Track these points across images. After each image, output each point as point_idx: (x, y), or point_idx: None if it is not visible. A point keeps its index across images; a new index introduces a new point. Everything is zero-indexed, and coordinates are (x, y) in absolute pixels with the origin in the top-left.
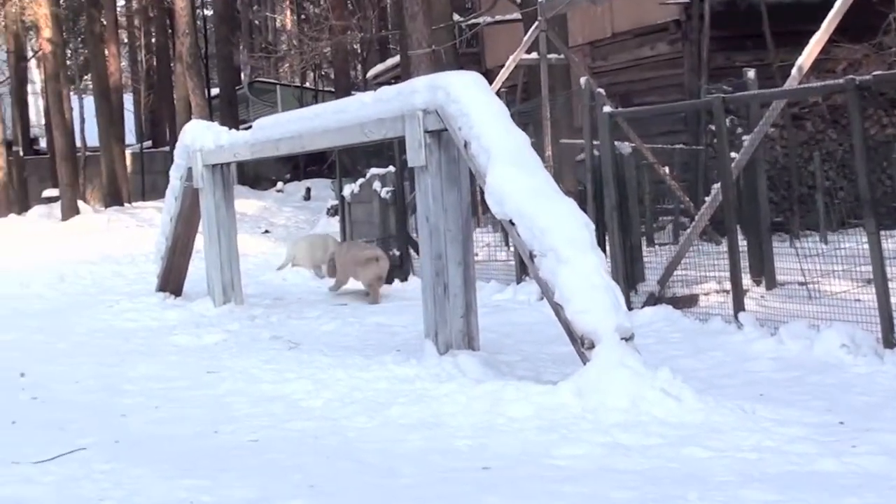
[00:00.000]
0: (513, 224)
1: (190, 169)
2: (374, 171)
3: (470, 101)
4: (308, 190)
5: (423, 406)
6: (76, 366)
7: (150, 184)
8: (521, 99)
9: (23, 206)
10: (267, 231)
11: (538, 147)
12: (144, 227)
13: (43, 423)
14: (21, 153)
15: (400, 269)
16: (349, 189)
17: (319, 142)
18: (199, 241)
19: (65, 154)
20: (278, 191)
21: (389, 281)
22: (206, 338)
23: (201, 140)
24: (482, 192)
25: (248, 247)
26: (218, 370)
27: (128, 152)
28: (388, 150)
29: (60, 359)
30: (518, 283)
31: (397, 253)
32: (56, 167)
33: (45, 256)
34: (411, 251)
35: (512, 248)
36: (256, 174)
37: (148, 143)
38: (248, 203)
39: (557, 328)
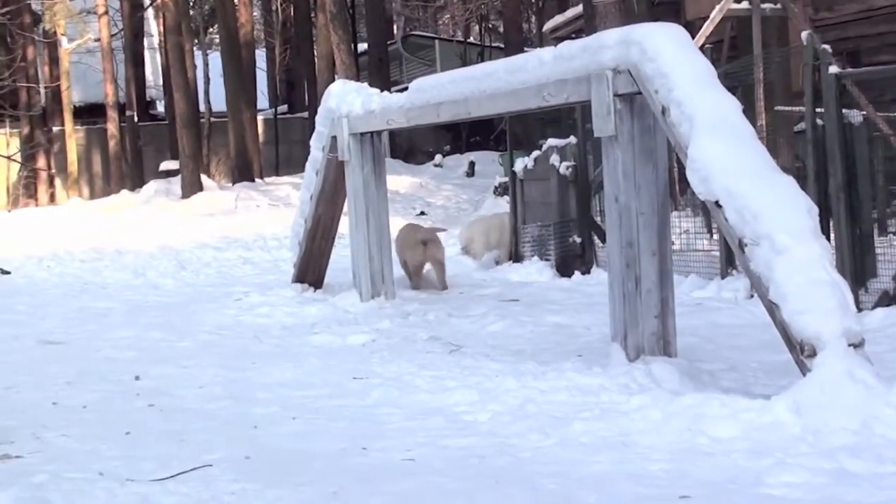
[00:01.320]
0: (719, 206)
1: (334, 138)
2: (551, 142)
3: (670, 59)
4: (472, 164)
5: (610, 422)
6: (200, 369)
7: (285, 155)
8: (729, 57)
9: (137, 181)
10: (423, 213)
11: (749, 115)
12: (279, 206)
13: (161, 435)
14: (136, 119)
15: (581, 260)
16: (521, 164)
17: (488, 107)
18: (344, 224)
19: (186, 120)
20: (436, 165)
21: (568, 272)
22: (351, 338)
23: (348, 104)
24: (681, 168)
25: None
26: (366, 376)
27: (260, 118)
28: (568, 118)
29: (181, 360)
30: (723, 277)
31: (578, 240)
32: (176, 135)
33: (162, 240)
34: (595, 238)
35: (716, 236)
36: (411, 146)
37: (283, 108)
38: (400, 180)
39: (771, 332)
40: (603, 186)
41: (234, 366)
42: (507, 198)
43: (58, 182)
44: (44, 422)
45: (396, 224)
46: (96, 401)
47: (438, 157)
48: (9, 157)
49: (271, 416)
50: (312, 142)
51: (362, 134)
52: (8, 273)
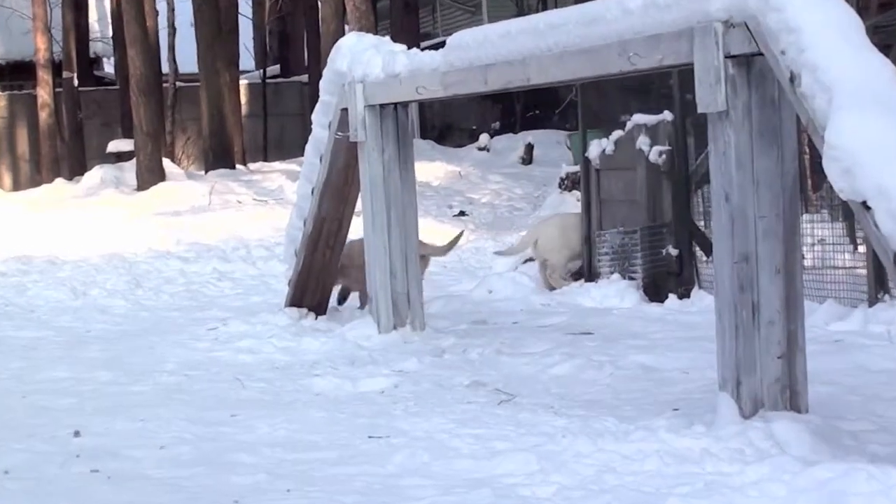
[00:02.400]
0: (868, 208)
1: (344, 111)
2: (638, 119)
3: (801, 8)
4: (529, 148)
5: (717, 500)
6: (160, 422)
7: (276, 134)
8: (880, 6)
9: (77, 167)
10: (463, 213)
11: None
12: (268, 203)
13: None
14: (75, 82)
15: (678, 279)
16: (597, 148)
17: (554, 71)
18: (357, 228)
19: (144, 85)
20: (481, 148)
21: (660, 296)
22: (365, 382)
23: (364, 65)
24: (815, 156)
25: (433, 237)
26: (386, 434)
27: (243, 83)
28: (662, 87)
29: (135, 411)
30: (871, 304)
31: (674, 252)
32: (129, 105)
33: (110, 247)
34: (697, 250)
35: (863, 248)
36: (447, 122)
37: (274, 70)
38: (432, 167)
39: None
40: (708, 180)
41: (208, 419)
42: (576, 194)
43: None
44: None
45: (428, 227)
46: (21, 465)
47: (484, 138)
48: None
49: (257, 488)
50: (315, 116)
51: (382, 106)
52: None
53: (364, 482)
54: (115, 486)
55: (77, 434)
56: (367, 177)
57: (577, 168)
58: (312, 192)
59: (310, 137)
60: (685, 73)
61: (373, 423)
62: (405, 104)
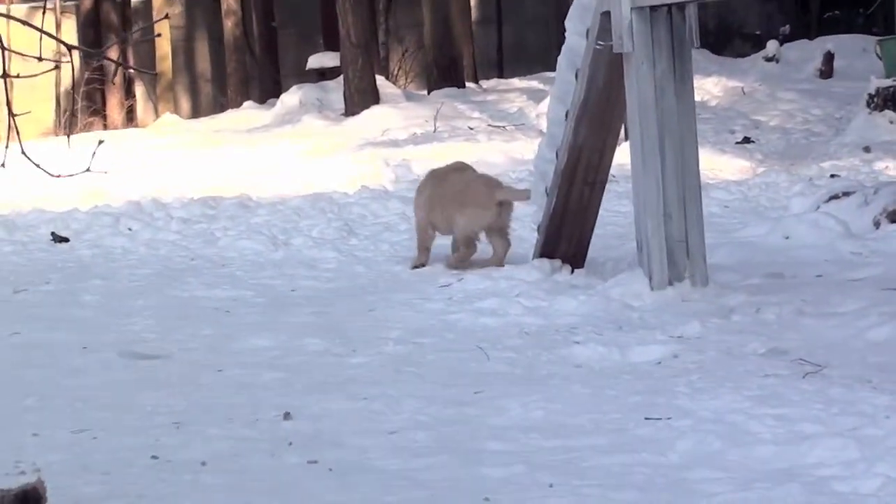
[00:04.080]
0: None
1: (606, 15)
2: None
3: None
4: (828, 57)
5: None
6: (389, 402)
7: (514, 44)
8: None
9: (270, 87)
10: (748, 139)
11: None
12: (506, 129)
13: None
14: None
15: None
16: None
17: None
18: (622, 160)
19: None
20: (769, 59)
21: None
22: (637, 351)
23: None
24: None
25: (713, 170)
26: (665, 415)
27: None
28: None
29: (357, 388)
30: None
31: None
32: (334, 11)
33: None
34: None
35: None
36: (723, 25)
37: None
38: (708, 83)
39: None
40: None
41: (446, 397)
42: (889, 114)
43: (139, 89)
44: (139, 488)
45: (710, 160)
46: (221, 454)
47: (772, 46)
48: (70, 46)
49: (511, 481)
50: (569, 22)
51: (654, 8)
52: (66, 241)
53: (643, 475)
54: (338, 481)
55: (287, 416)
56: (634, 97)
57: (890, 82)
58: (567, 117)
59: (562, 48)
60: None
61: (649, 402)
62: (682, 5)
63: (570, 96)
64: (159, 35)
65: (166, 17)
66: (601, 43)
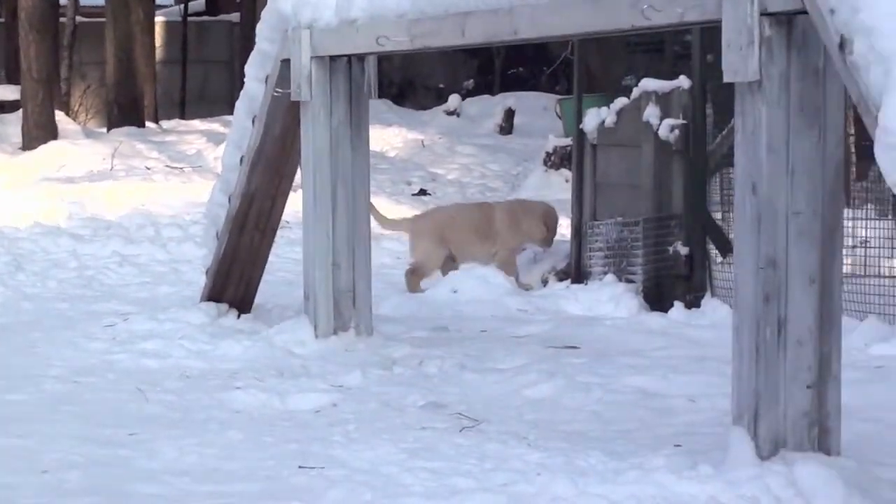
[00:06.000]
0: None
1: (286, 63)
2: (647, 84)
3: None
4: (509, 114)
5: None
6: (44, 441)
7: (198, 86)
8: None
9: None
10: (424, 191)
11: None
12: (184, 171)
13: None
14: None
15: (687, 284)
16: (595, 118)
17: (548, 23)
18: (294, 207)
19: (36, 18)
20: (450, 112)
21: (664, 304)
22: (297, 399)
23: (312, 6)
24: (863, 139)
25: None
26: (320, 464)
27: (158, 20)
28: (677, 44)
29: (13, 425)
30: None
31: (683, 251)
32: (16, 43)
33: None
34: (712, 249)
35: None
36: (407, 78)
37: (198, 5)
38: (388, 134)
39: None
40: (730, 163)
41: (102, 438)
42: (565, 173)
43: None
44: None
45: (382, 208)
46: None
47: (454, 100)
48: None
49: None
50: (249, 67)
51: (333, 58)
52: None
53: None
54: None
55: None
56: (310, 145)
57: (567, 141)
58: (241, 162)
59: (241, 93)
60: (708, 32)
61: (305, 451)
62: (361, 57)
63: (245, 141)
64: None
65: None
66: (279, 90)
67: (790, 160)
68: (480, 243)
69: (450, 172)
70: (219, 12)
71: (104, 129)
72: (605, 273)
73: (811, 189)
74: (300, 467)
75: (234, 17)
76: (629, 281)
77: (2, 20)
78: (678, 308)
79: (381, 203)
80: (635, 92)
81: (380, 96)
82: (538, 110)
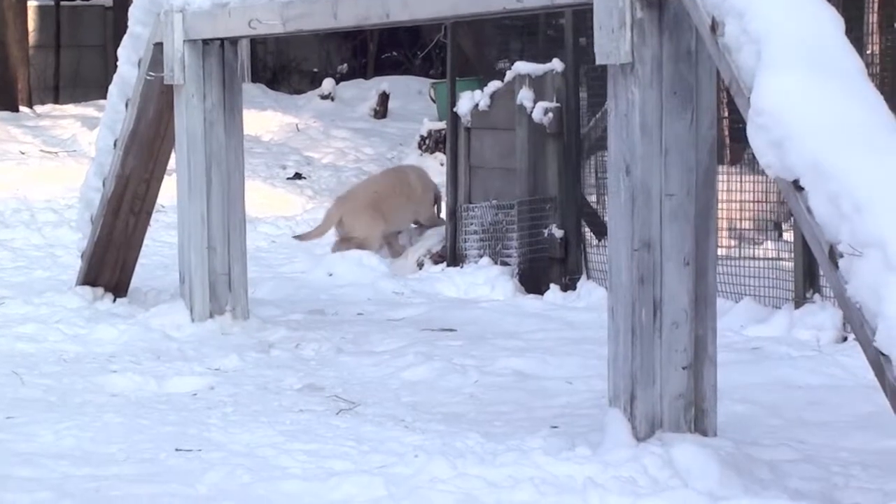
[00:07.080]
0: (800, 188)
1: (158, 47)
2: (520, 67)
3: None
4: (383, 98)
5: None
6: None
7: (71, 70)
8: None
9: None
10: (299, 175)
11: (855, 40)
12: (58, 155)
13: None
14: None
15: (562, 267)
16: (469, 101)
17: (420, 6)
18: (168, 191)
19: None
20: (324, 96)
21: (539, 287)
22: (174, 382)
23: None
24: (736, 121)
25: (263, 204)
26: (197, 447)
27: (31, 4)
28: (549, 28)
29: None
30: (798, 305)
31: (558, 234)
32: None
33: None
34: (586, 231)
35: (789, 235)
36: (281, 62)
37: None
38: (263, 118)
39: (876, 400)
40: (604, 146)
41: None
42: (439, 157)
43: None
44: None
45: (258, 192)
46: None
47: (328, 84)
48: None
49: None
50: (122, 51)
51: (206, 42)
52: None
53: None
54: None
55: None
56: (183, 129)
57: (442, 125)
58: (115, 146)
59: (114, 77)
60: (581, 14)
61: (182, 433)
62: (234, 41)
63: (119, 125)
64: None
65: None
66: (152, 74)
67: (663, 142)
68: (409, 204)
69: (325, 157)
70: None
71: None
72: (481, 256)
73: (684, 171)
74: (177, 450)
75: (107, 1)
76: (504, 264)
77: None
78: (554, 290)
79: (256, 186)
80: (509, 75)
81: (254, 80)
82: (412, 94)
